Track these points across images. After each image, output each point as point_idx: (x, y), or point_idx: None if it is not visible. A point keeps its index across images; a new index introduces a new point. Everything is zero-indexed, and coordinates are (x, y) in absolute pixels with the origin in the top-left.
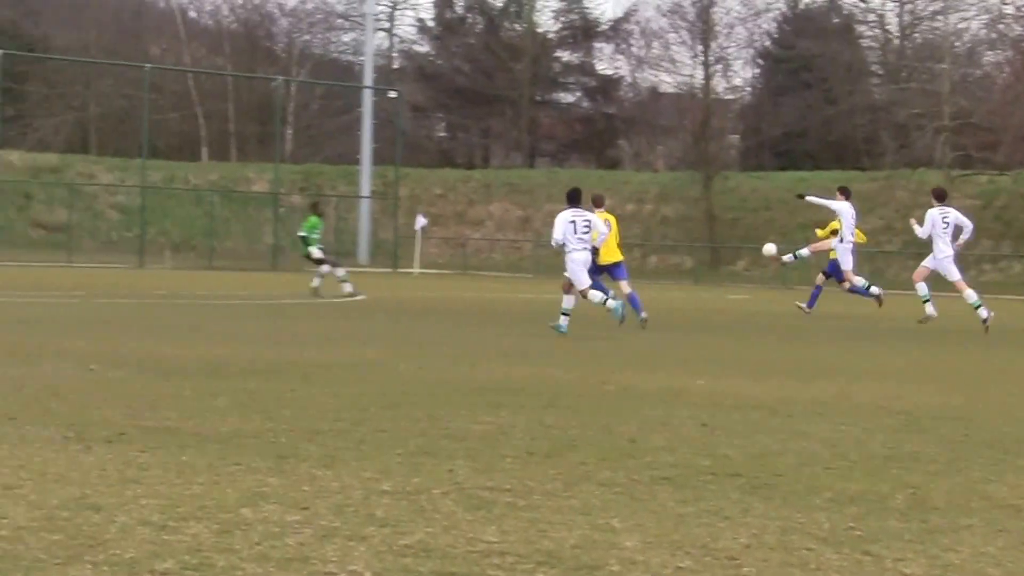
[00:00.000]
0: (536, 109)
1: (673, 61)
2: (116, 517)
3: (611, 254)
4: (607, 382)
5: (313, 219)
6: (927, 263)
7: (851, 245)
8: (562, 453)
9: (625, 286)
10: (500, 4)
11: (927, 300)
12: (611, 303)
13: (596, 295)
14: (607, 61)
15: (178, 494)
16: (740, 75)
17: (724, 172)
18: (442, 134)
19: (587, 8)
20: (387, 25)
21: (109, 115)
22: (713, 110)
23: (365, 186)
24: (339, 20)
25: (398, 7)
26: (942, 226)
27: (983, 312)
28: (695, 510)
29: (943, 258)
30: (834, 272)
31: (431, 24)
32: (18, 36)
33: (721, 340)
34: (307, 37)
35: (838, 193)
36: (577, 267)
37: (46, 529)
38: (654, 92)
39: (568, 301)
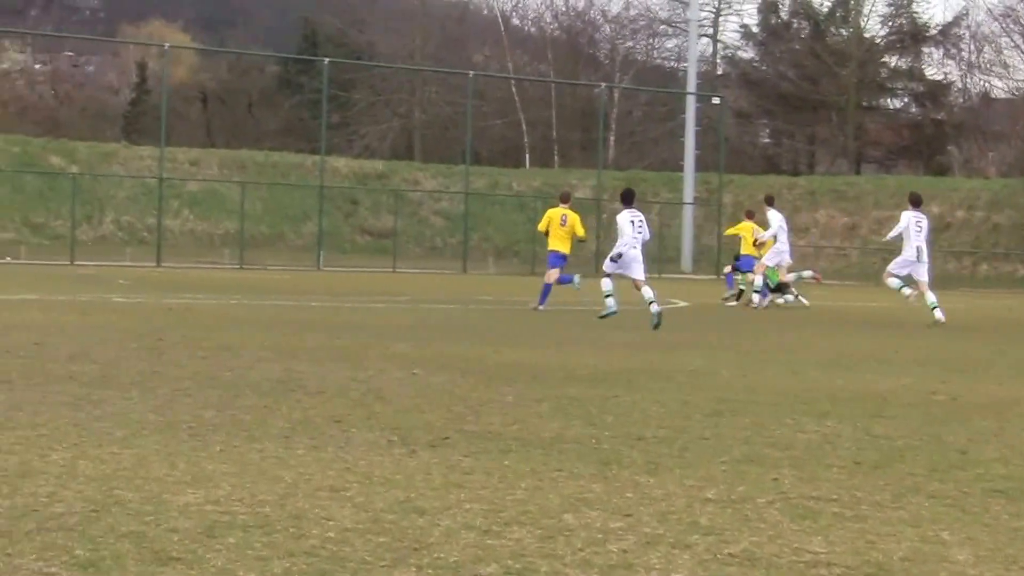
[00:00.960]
0: (863, 115)
1: (1006, 66)
2: (440, 521)
3: (562, 246)
4: (936, 391)
5: None
6: (893, 266)
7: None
8: (890, 463)
9: (554, 274)
10: (826, 9)
11: (935, 307)
12: (611, 302)
13: (610, 300)
14: (936, 66)
15: (501, 499)
16: None
17: None
18: (766, 140)
19: (916, 12)
20: (711, 31)
21: (434, 122)
22: None
23: (688, 192)
24: (662, 26)
25: (722, 13)
26: (915, 229)
27: (939, 313)
28: None
29: (912, 259)
30: (747, 265)
31: (755, 29)
32: (344, 44)
33: None
34: (630, 43)
35: (765, 204)
36: (631, 262)
37: (372, 531)
38: (985, 97)
39: (607, 283)
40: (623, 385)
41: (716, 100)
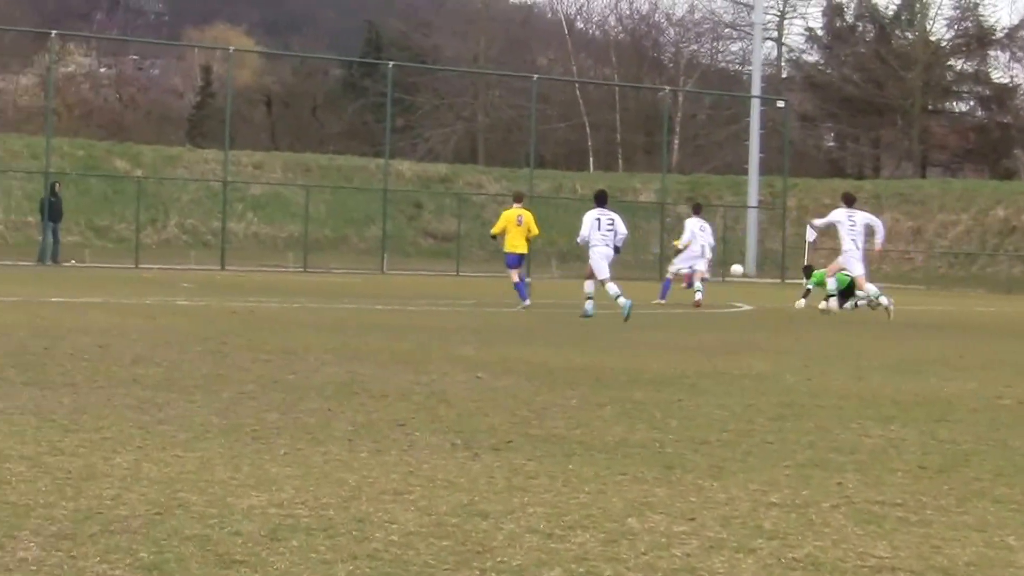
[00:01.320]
0: (928, 118)
1: None
2: (504, 524)
3: (519, 246)
4: (1001, 396)
5: None
6: (839, 260)
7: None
8: (955, 468)
9: (515, 275)
10: (892, 12)
11: (878, 295)
12: (622, 300)
13: (612, 287)
14: (1002, 69)
15: (565, 503)
16: None
17: None
18: (831, 144)
19: (982, 16)
20: (775, 34)
21: (497, 125)
22: None
23: (752, 196)
24: (727, 30)
25: (787, 16)
26: (848, 224)
27: (884, 300)
28: None
29: (849, 254)
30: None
31: (820, 33)
32: (408, 48)
33: None
34: (694, 47)
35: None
36: (599, 260)
37: (435, 535)
38: None
39: (589, 285)
40: (687, 389)
41: (781, 104)
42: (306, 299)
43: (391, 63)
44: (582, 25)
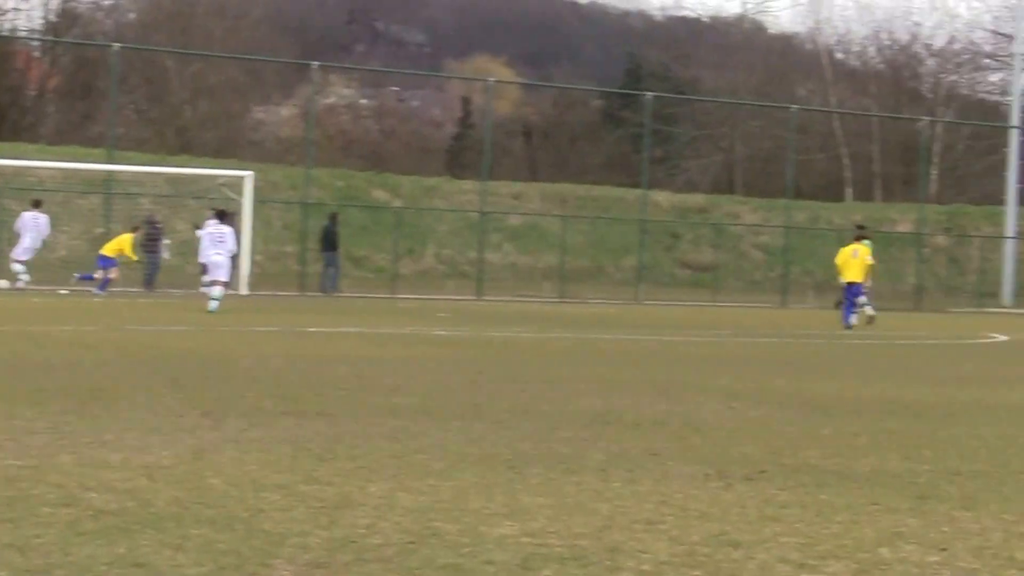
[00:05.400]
0: None
1: None
2: (755, 554)
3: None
4: None
5: None
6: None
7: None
8: None
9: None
10: None
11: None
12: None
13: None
14: None
15: (816, 533)
16: None
17: None
18: None
19: None
20: None
21: (755, 156)
22: None
23: (1010, 227)
24: (986, 60)
25: None
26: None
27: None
28: None
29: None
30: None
31: None
32: (668, 79)
33: None
34: (954, 77)
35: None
36: (216, 268)
37: (687, 564)
38: None
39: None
40: (940, 419)
41: None
42: (562, 329)
43: (650, 94)
44: (841, 56)
